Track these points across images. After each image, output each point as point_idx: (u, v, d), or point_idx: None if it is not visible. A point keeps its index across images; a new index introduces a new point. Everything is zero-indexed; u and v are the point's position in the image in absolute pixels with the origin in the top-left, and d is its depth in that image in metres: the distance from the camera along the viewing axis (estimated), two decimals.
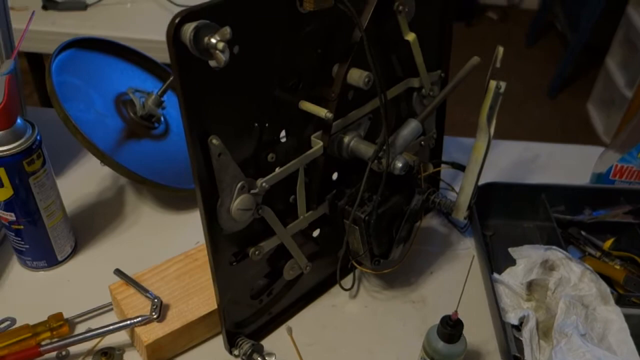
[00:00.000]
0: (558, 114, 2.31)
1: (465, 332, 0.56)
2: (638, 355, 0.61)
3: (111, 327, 0.59)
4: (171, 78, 0.79)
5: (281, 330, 0.65)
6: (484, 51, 0.65)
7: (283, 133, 0.55)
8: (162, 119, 0.81)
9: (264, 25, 0.48)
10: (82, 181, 0.81)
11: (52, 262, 0.69)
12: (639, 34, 1.93)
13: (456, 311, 0.55)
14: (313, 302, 0.68)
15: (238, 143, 0.51)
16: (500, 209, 0.79)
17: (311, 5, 0.48)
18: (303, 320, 0.66)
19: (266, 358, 0.59)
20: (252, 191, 0.53)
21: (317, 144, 0.57)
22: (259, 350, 0.59)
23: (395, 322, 0.66)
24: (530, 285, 0.67)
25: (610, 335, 0.62)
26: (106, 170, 0.84)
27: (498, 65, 0.66)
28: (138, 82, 0.83)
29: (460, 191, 0.71)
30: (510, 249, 0.72)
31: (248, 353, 0.59)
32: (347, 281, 0.70)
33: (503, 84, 0.66)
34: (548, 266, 0.67)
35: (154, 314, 0.59)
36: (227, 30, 0.40)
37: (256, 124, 0.52)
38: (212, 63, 0.43)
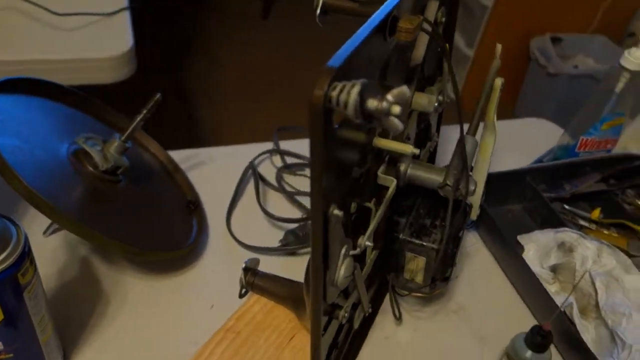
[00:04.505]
0: None
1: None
2: None
3: None
4: (139, 118, 0.63)
5: None
6: None
7: None
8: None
9: (369, 64, 0.41)
10: None
11: None
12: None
13: (549, 322, 0.55)
14: (365, 338, 0.63)
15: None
16: (487, 198, 0.79)
17: (409, 36, 0.42)
18: None
19: None
20: (351, 252, 0.46)
21: (391, 182, 0.51)
22: None
23: (448, 337, 0.64)
24: (554, 269, 0.69)
25: None
26: (51, 241, 0.67)
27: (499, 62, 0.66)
28: (76, 125, 0.67)
29: None
30: (519, 237, 0.73)
31: None
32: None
33: (502, 80, 0.66)
34: (567, 248, 0.70)
35: None
36: (404, 89, 0.33)
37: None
38: (389, 127, 0.34)
